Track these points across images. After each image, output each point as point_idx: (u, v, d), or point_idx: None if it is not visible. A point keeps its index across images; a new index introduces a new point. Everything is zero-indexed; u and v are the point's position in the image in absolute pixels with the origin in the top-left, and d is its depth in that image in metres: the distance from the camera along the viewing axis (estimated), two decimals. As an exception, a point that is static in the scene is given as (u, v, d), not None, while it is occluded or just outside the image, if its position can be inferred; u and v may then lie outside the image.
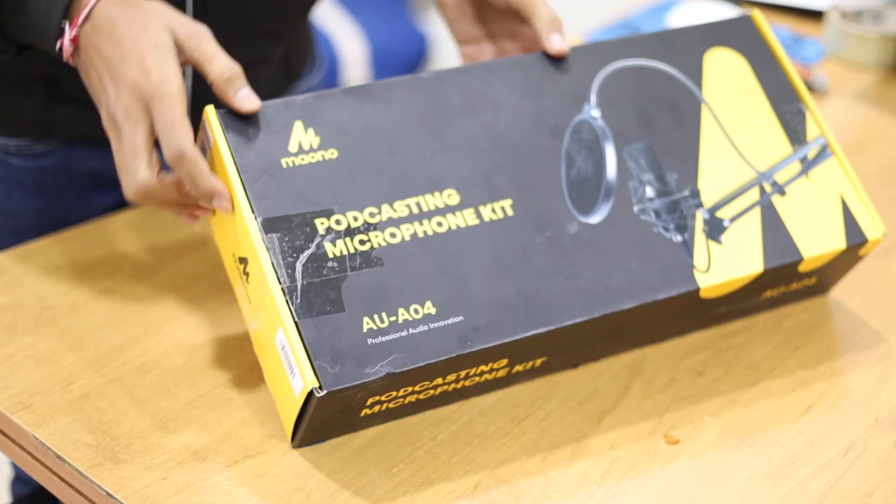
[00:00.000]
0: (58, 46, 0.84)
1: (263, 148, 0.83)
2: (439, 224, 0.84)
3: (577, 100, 0.91)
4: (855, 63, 1.48)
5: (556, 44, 0.93)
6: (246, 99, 0.82)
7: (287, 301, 0.79)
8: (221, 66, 0.82)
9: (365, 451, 0.83)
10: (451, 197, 0.85)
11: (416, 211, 0.84)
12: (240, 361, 0.90)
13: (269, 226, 0.80)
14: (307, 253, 0.80)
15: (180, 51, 0.82)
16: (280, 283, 0.79)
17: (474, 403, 0.88)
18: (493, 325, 0.82)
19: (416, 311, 0.81)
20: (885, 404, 0.91)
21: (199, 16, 1.00)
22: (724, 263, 0.90)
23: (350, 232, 0.82)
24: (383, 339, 0.79)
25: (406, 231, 0.83)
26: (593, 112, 0.91)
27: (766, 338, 0.97)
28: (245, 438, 0.83)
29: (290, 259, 0.80)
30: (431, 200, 0.85)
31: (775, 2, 1.62)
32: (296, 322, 0.78)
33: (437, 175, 0.86)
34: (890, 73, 1.47)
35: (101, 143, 0.83)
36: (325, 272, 0.80)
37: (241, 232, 0.81)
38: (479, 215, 0.85)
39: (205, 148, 0.84)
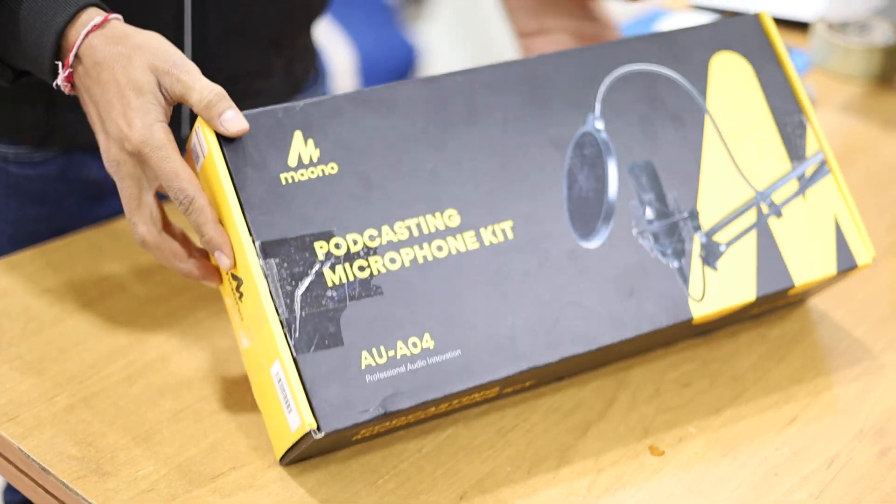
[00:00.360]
0: (55, 84, 0.84)
1: (261, 162, 0.80)
2: (439, 248, 0.82)
3: (582, 108, 0.89)
4: (841, 74, 1.49)
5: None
6: (230, 122, 0.80)
7: (286, 334, 0.77)
8: (201, 93, 0.80)
9: (350, 463, 0.83)
10: (452, 218, 0.83)
11: (416, 234, 0.82)
12: (225, 373, 0.90)
13: (267, 250, 0.78)
14: (306, 281, 0.78)
15: (164, 89, 0.81)
16: (279, 315, 0.77)
17: (459, 415, 0.88)
18: (491, 360, 0.81)
19: (415, 345, 0.79)
20: (869, 415, 0.91)
21: (198, 25, 1.00)
22: (719, 292, 0.89)
23: (349, 257, 0.80)
24: (382, 375, 0.78)
25: (406, 256, 0.81)
26: (597, 124, 0.89)
27: (751, 349, 0.97)
28: (230, 450, 0.83)
29: (288, 287, 0.77)
30: (432, 222, 0.82)
31: (762, 13, 1.63)
32: (294, 357, 0.76)
33: (438, 193, 0.83)
34: (876, 84, 1.47)
35: (100, 152, 0.83)
36: (324, 302, 0.78)
37: (238, 252, 0.79)
38: (479, 238, 0.83)
39: (197, 157, 0.82)
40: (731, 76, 0.96)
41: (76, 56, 0.82)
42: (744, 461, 0.86)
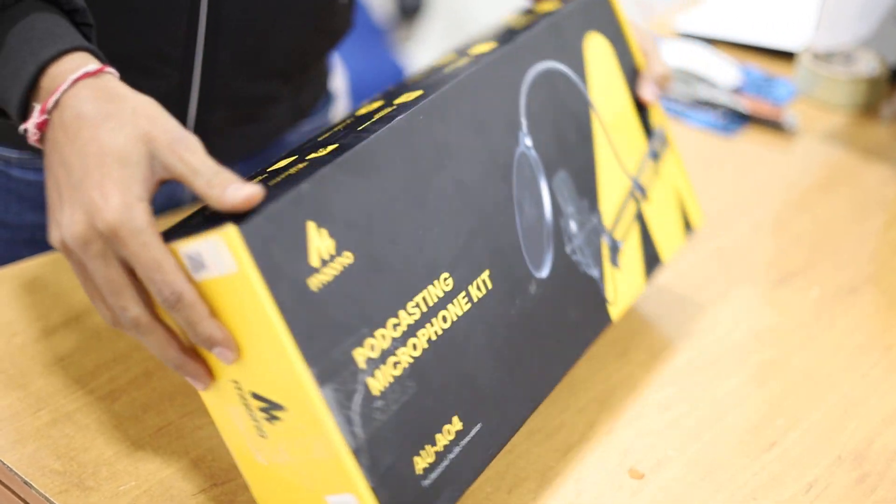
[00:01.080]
0: (22, 128, 0.73)
1: (288, 270, 0.69)
2: (444, 319, 0.78)
3: (513, 127, 0.86)
4: (825, 104, 1.50)
5: (647, 93, 0.98)
6: (232, 195, 0.68)
7: (359, 466, 0.70)
8: (208, 177, 0.68)
9: (331, 481, 0.83)
10: (447, 282, 0.79)
11: (424, 309, 0.77)
12: (209, 390, 0.90)
13: (323, 376, 0.70)
14: (358, 398, 0.71)
15: (160, 165, 0.69)
16: (347, 445, 0.70)
17: (441, 435, 0.88)
18: (504, 422, 0.80)
19: (448, 432, 0.77)
20: (847, 441, 0.92)
21: (209, 53, 1.00)
22: (623, 290, 0.92)
23: (384, 357, 0.74)
24: (433, 476, 0.75)
25: (423, 338, 0.77)
26: (527, 141, 0.87)
27: (732, 374, 0.98)
28: (212, 467, 0.84)
29: (346, 412, 0.70)
30: (434, 292, 0.78)
31: (748, 42, 1.64)
32: (371, 488, 0.71)
33: (431, 258, 0.79)
34: (859, 115, 1.49)
35: None
36: (376, 416, 0.72)
37: (286, 379, 0.70)
38: (469, 298, 0.81)
39: (199, 267, 0.70)
40: (600, 60, 0.96)
41: (56, 102, 0.71)
42: (722, 485, 0.86)
